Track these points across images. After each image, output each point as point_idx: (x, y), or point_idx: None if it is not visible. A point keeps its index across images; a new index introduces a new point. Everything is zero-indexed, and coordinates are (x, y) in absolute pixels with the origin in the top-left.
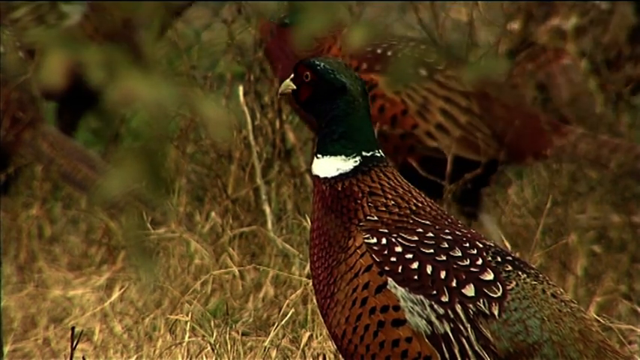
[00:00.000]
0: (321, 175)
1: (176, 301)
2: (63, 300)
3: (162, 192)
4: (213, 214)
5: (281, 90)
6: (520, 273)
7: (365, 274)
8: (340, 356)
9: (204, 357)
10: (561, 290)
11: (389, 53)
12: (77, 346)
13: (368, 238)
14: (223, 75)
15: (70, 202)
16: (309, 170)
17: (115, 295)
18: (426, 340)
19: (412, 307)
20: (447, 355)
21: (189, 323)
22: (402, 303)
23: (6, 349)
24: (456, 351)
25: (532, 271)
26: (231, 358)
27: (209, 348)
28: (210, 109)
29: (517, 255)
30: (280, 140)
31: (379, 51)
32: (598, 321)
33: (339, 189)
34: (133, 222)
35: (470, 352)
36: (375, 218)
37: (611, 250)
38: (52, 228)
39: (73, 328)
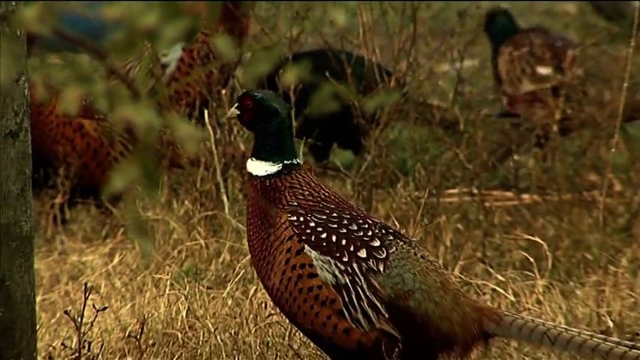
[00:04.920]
0: (254, 173)
1: (160, 265)
2: (78, 264)
3: (156, 188)
4: (186, 202)
5: (228, 115)
6: (399, 241)
7: (288, 241)
8: None
9: (180, 305)
10: (428, 253)
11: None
12: (88, 297)
13: (290, 216)
14: (194, 102)
15: (85, 193)
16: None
17: (116, 260)
18: (332, 288)
19: (322, 265)
20: (346, 299)
21: (169, 280)
22: (315, 262)
23: (38, 299)
24: (353, 296)
25: (407, 240)
26: (199, 305)
27: (183, 298)
28: (185, 128)
29: (400, 230)
30: (233, 148)
31: (84, 103)
32: (461, 278)
33: (267, 184)
34: (132, 208)
35: (363, 297)
36: (295, 203)
37: (470, 227)
38: (70, 212)
39: (85, 284)
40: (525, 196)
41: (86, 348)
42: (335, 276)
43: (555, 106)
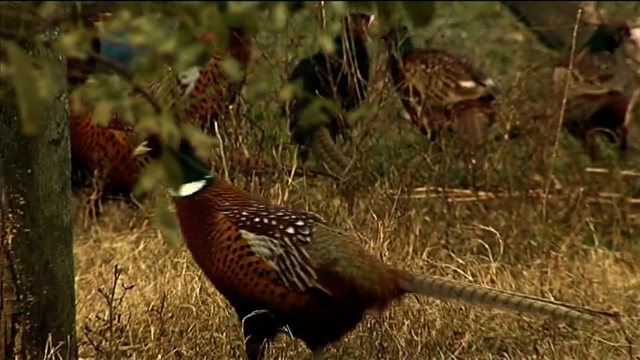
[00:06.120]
0: (182, 195)
1: (177, 250)
2: (110, 249)
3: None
4: None
5: (136, 153)
6: (319, 223)
7: (227, 232)
8: None
9: (194, 284)
10: (344, 230)
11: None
12: (118, 277)
13: (225, 213)
14: (206, 115)
15: (115, 191)
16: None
17: (141, 246)
18: (268, 262)
19: (259, 243)
20: (282, 267)
21: (185, 263)
22: (251, 242)
23: (76, 279)
24: (288, 263)
25: (326, 222)
26: (210, 284)
27: (197, 278)
28: (199, 137)
29: (375, 220)
30: (239, 154)
31: (114, 116)
32: (427, 261)
33: (197, 199)
34: (161, 205)
35: (296, 263)
36: (227, 204)
37: (435, 219)
38: (103, 206)
39: (116, 266)
40: (481, 193)
41: (116, 319)
42: (271, 249)
43: (506, 118)
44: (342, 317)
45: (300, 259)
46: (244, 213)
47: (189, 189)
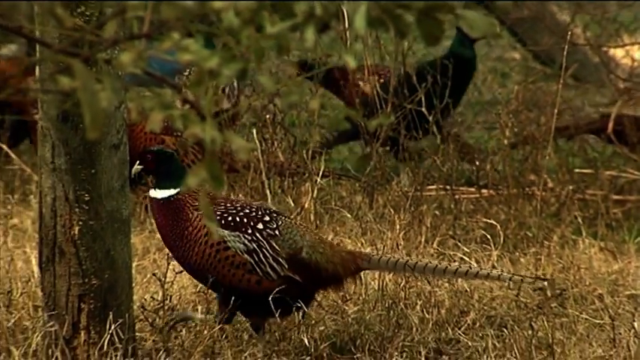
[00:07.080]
0: (159, 197)
1: None
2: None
3: (222, 186)
4: (240, 195)
5: (133, 171)
6: (283, 217)
7: (203, 229)
8: None
9: None
10: (303, 222)
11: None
12: (170, 263)
13: (199, 212)
14: (245, 123)
15: None
16: (150, 195)
17: None
18: (244, 255)
19: (234, 239)
20: (256, 259)
21: None
22: (227, 238)
23: (133, 264)
24: (261, 256)
25: (286, 214)
26: None
27: None
28: (239, 142)
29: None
30: (274, 157)
31: (165, 123)
32: (437, 249)
33: (172, 199)
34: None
35: (268, 255)
36: (197, 203)
37: (444, 213)
38: None
39: (168, 254)
40: (484, 191)
41: (168, 300)
42: (245, 245)
43: (505, 125)
44: (309, 294)
45: (271, 251)
46: (217, 212)
47: (166, 193)
